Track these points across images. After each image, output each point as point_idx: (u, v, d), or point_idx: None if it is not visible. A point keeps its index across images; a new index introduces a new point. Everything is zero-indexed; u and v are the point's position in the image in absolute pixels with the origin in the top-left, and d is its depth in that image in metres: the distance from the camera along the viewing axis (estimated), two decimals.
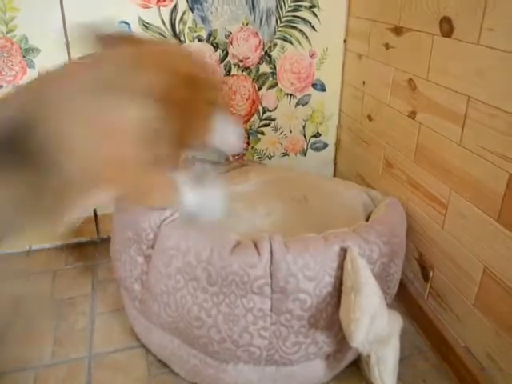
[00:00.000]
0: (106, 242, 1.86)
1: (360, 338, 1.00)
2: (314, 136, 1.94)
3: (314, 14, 1.72)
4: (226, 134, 1.03)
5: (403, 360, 1.30)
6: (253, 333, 1.10)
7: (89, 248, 1.84)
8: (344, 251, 1.09)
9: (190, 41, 1.63)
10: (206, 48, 1.66)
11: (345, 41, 1.80)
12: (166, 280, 1.15)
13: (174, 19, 1.59)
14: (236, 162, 1.70)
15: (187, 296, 1.12)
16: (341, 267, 1.08)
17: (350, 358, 1.26)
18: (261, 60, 1.75)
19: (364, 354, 1.06)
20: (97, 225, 1.84)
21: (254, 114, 1.83)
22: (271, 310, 1.09)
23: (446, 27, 1.19)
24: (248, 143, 1.89)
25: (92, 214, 1.81)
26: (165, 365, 1.29)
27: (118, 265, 1.30)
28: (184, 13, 1.59)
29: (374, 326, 1.02)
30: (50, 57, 1.53)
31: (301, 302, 1.08)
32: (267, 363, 1.15)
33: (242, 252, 1.08)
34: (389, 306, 1.14)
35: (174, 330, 1.20)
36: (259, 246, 1.08)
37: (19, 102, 0.76)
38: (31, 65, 1.53)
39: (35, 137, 0.72)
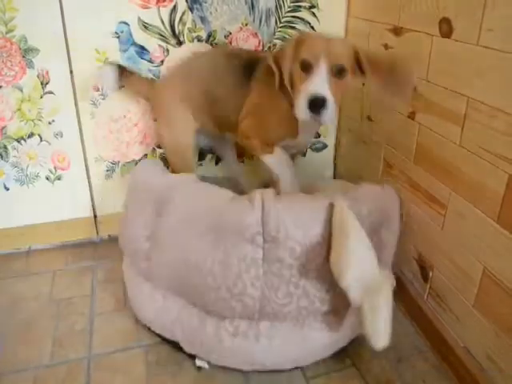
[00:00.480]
0: (106, 242, 1.87)
1: (350, 275, 1.05)
2: (314, 137, 1.94)
3: (314, 14, 1.71)
4: None
5: (403, 360, 1.31)
6: (246, 281, 1.16)
7: (88, 248, 1.83)
8: (332, 206, 1.15)
9: (190, 41, 1.63)
10: (206, 48, 1.67)
11: None
12: (172, 231, 1.24)
13: (174, 19, 1.59)
14: None
15: (188, 244, 1.21)
16: (329, 220, 1.14)
17: (347, 329, 1.27)
18: None
19: (355, 302, 1.09)
20: (96, 225, 1.84)
21: None
22: (263, 260, 1.15)
23: (446, 28, 1.19)
24: None
25: (92, 215, 1.82)
26: (164, 365, 1.29)
27: (129, 230, 1.39)
28: (183, 13, 1.59)
29: (364, 270, 1.07)
30: (50, 57, 1.54)
31: (290, 250, 1.14)
32: (261, 317, 1.20)
33: (237, 202, 1.19)
34: None
35: (176, 285, 1.28)
36: (252, 199, 1.17)
37: None
38: (30, 65, 1.53)
39: None
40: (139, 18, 1.56)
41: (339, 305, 1.22)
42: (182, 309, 1.29)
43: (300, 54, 1.25)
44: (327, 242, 1.14)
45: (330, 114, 1.21)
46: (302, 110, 1.22)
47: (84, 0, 1.49)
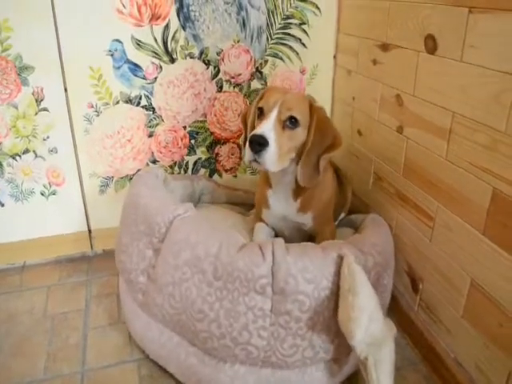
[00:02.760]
0: (100, 257, 1.88)
1: (359, 335, 1.04)
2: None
3: (304, 31, 1.75)
4: None
5: (394, 372, 1.31)
6: (252, 332, 1.13)
7: (82, 263, 1.84)
8: (340, 258, 1.14)
9: (182, 58, 1.66)
10: (198, 65, 1.70)
11: (334, 56, 1.83)
12: (173, 271, 1.20)
13: (167, 37, 1.62)
14: None
15: (192, 288, 1.17)
16: (338, 273, 1.13)
17: (345, 372, 1.27)
18: (252, 77, 1.78)
19: (361, 357, 1.08)
20: (90, 240, 1.85)
21: None
22: (271, 311, 1.13)
23: (431, 44, 1.22)
24: (240, 158, 1.91)
25: (86, 230, 1.83)
26: (157, 379, 1.30)
27: (124, 258, 1.36)
28: (176, 31, 1.62)
29: (371, 327, 1.06)
30: (44, 74, 1.56)
31: (300, 304, 1.12)
32: (263, 365, 1.18)
33: (248, 252, 1.15)
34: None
35: (175, 324, 1.23)
36: (263, 249, 1.15)
37: None
38: (25, 83, 1.56)
39: None
40: (132, 36, 1.58)
41: (341, 353, 1.21)
42: (178, 346, 1.25)
43: (259, 104, 1.32)
44: (335, 295, 1.13)
45: (270, 157, 1.21)
46: (246, 152, 1.25)
47: (78, 19, 1.52)
